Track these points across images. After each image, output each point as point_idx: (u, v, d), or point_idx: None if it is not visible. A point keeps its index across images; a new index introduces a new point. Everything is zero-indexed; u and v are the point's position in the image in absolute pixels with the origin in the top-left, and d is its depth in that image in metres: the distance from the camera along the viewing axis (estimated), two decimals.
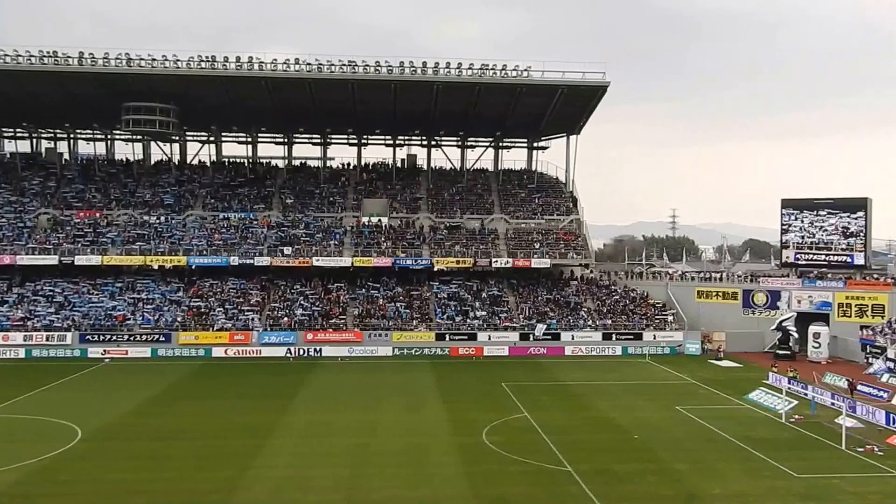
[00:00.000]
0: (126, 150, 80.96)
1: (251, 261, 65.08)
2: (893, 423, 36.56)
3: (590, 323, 63.78)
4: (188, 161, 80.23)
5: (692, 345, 62.49)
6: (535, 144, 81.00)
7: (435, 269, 68.58)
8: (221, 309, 62.42)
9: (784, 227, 69.93)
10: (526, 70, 66.21)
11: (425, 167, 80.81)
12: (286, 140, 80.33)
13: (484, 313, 64.02)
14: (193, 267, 67.01)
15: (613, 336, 62.49)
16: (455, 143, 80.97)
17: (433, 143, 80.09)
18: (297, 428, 36.59)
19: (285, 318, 61.46)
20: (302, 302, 64.37)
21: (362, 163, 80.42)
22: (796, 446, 34.12)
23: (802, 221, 68.82)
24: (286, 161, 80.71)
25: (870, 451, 32.97)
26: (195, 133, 80.00)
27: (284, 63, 65.35)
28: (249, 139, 79.92)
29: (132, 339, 58.32)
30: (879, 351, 55.12)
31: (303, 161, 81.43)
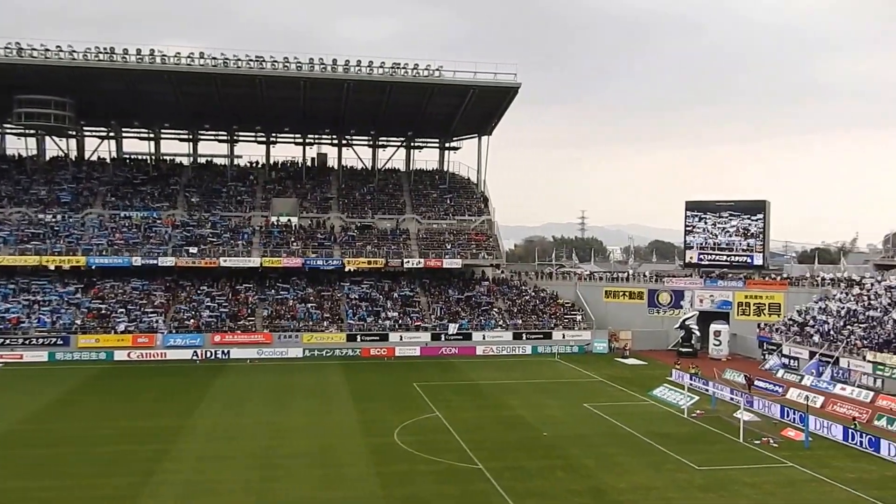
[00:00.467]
0: (18, 145, 77.41)
1: (155, 261, 63.07)
2: (788, 417, 38.13)
3: (500, 323, 64.32)
4: (86, 157, 77.27)
5: (600, 343, 63.70)
6: (446, 145, 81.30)
7: (346, 269, 67.91)
8: (123, 311, 60.37)
9: (688, 228, 72.03)
10: (438, 70, 66.40)
11: (336, 166, 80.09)
12: (191, 137, 78.28)
13: (395, 314, 63.81)
14: (93, 267, 64.53)
15: (524, 335, 63.16)
16: (366, 143, 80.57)
17: (344, 141, 79.49)
18: (204, 431, 35.66)
19: (192, 320, 59.88)
20: (209, 303, 62.84)
21: (271, 161, 79.14)
22: (697, 440, 35.17)
23: (705, 223, 71.04)
24: (191, 159, 78.66)
25: (766, 444, 34.23)
26: (94, 128, 77.09)
27: (188, 57, 63.76)
28: (152, 135, 77.59)
29: (27, 342, 55.76)
30: (775, 347, 57.33)
31: (209, 159, 79.46)
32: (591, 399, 43.95)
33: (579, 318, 66.19)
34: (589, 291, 71.01)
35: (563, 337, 63.65)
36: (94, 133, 77.41)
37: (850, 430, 34.78)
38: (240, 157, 79.42)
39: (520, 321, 64.79)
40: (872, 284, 59.47)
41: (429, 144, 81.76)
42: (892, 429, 36.71)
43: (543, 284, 72.99)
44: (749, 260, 68.84)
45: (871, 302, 56.34)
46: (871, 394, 44.68)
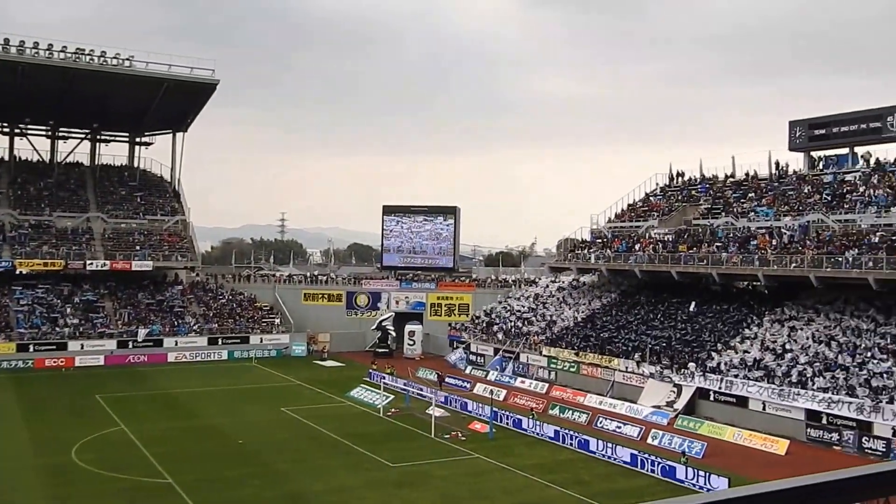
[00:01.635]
0: None
1: None
2: (474, 411, 40.44)
3: (195, 327, 61.70)
4: None
5: (298, 346, 63.36)
6: (137, 139, 76.47)
7: (17, 272, 61.19)
8: None
9: (385, 232, 74.17)
10: (128, 59, 62.25)
11: (7, 157, 72.05)
12: None
13: (76, 320, 58.73)
14: None
15: (220, 340, 61.12)
16: (44, 133, 73.37)
17: (17, 130, 71.71)
18: None
19: None
20: None
21: None
22: (392, 438, 36.12)
23: (402, 227, 73.60)
24: None
25: (455, 437, 35.95)
26: None
27: None
28: None
29: None
30: (464, 345, 60.67)
31: None
32: (289, 403, 43.48)
33: (277, 321, 65.37)
34: (288, 294, 70.42)
35: (261, 341, 62.52)
36: None
37: (528, 420, 37.57)
38: None
39: (216, 325, 62.61)
40: (547, 285, 65.14)
41: (117, 138, 76.38)
42: (564, 416, 40.30)
43: (241, 287, 71.13)
44: (441, 263, 72.39)
45: (546, 301, 61.67)
46: (546, 385, 48.73)
